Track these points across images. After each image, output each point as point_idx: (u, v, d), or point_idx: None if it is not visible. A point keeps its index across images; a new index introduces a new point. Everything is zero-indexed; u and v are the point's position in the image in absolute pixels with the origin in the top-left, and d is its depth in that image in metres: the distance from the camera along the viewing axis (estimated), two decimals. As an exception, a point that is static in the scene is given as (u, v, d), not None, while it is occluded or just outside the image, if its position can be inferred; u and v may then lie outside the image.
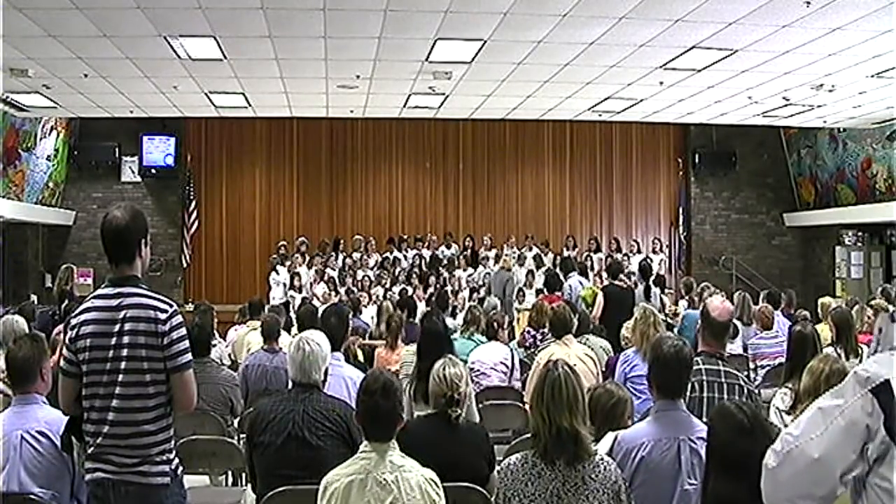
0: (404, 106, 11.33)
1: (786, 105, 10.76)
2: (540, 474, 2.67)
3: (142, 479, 2.79)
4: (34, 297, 11.50)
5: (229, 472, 4.80)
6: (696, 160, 15.30)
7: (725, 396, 3.40)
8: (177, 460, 2.92)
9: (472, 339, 6.47)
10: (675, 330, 8.12)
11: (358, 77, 9.43)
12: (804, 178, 14.95)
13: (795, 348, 4.47)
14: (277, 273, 12.33)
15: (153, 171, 14.29)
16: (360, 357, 7.04)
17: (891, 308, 6.50)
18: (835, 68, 8.70)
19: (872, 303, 7.49)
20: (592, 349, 5.86)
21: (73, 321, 2.86)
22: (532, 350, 6.89)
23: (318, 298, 11.08)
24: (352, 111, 11.99)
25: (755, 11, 6.81)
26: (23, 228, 13.02)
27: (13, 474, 3.15)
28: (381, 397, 2.84)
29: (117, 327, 2.79)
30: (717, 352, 3.66)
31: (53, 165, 13.16)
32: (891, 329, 5.73)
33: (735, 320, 6.56)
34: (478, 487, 3.18)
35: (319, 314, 4.90)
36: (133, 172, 14.34)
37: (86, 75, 9.02)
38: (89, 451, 2.83)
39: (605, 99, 10.66)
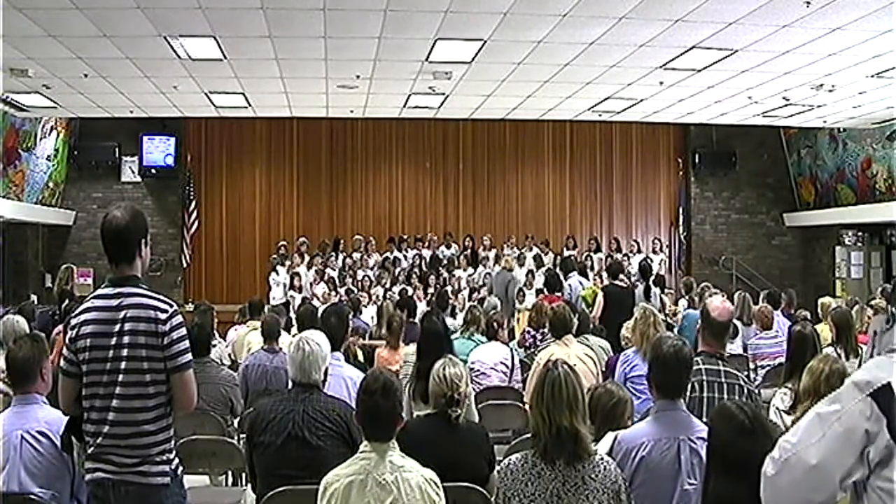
0: (404, 106, 11.33)
1: (786, 105, 10.77)
2: (540, 474, 2.67)
3: (142, 479, 2.79)
4: (34, 297, 11.49)
5: (229, 472, 4.80)
6: (696, 160, 15.30)
7: (725, 396, 3.40)
8: (177, 460, 2.92)
9: (472, 339, 6.46)
10: (675, 330, 8.12)
11: (358, 77, 9.43)
12: (804, 178, 14.96)
13: (795, 348, 4.47)
14: (277, 273, 12.33)
15: (153, 171, 14.29)
16: (360, 357, 7.03)
17: (891, 308, 6.49)
18: (835, 68, 8.70)
19: (872, 303, 7.49)
20: (592, 349, 5.85)
21: (73, 321, 2.86)
22: (532, 350, 6.89)
23: (318, 298, 11.08)
24: (352, 111, 11.99)
25: (755, 11, 6.81)
26: (23, 228, 13.03)
27: (13, 474, 3.15)
28: (381, 397, 2.84)
29: (117, 327, 2.79)
30: (717, 352, 3.66)
31: (53, 165, 13.16)
32: (888, 332, 5.73)
33: (735, 320, 6.55)
34: (478, 487, 3.18)
35: (319, 314, 4.90)
36: (133, 172, 14.34)
37: (86, 75, 9.02)
38: (89, 451, 2.83)
39: (605, 99, 10.67)
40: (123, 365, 2.77)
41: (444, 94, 10.37)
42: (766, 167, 15.51)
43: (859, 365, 5.35)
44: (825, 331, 6.32)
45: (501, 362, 5.87)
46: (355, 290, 11.49)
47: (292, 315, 8.65)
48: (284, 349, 5.66)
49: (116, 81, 9.42)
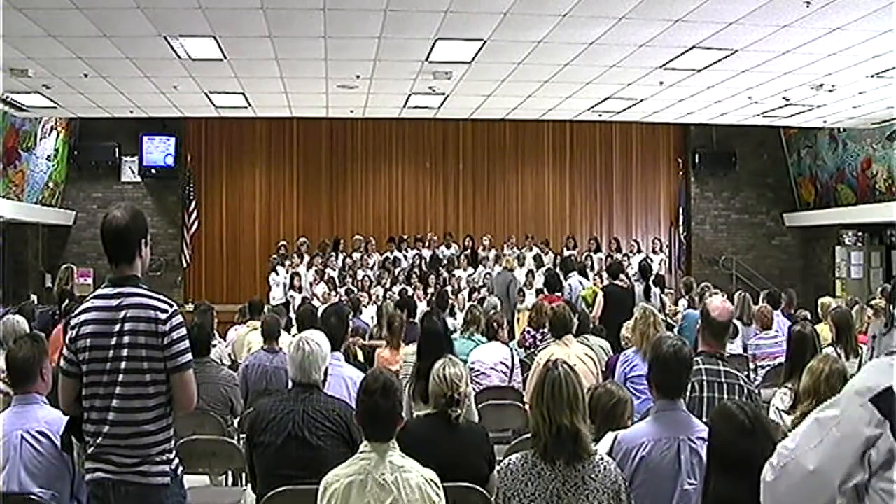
0: (404, 106, 11.33)
1: (786, 105, 10.77)
2: (540, 474, 2.67)
3: (142, 479, 2.79)
4: (34, 297, 11.50)
5: (229, 472, 4.80)
6: (696, 160, 15.30)
7: (725, 396, 3.40)
8: (177, 460, 2.92)
9: (472, 339, 6.46)
10: (675, 330, 8.12)
11: (358, 77, 9.43)
12: (804, 178, 14.96)
13: (795, 348, 4.47)
14: (277, 273, 12.33)
15: (153, 171, 14.29)
16: (360, 357, 7.04)
17: (891, 309, 6.49)
18: (835, 68, 8.70)
19: (872, 303, 7.48)
20: (592, 349, 5.85)
21: (73, 321, 2.86)
22: (532, 350, 6.89)
23: (318, 298, 11.08)
24: (352, 111, 11.99)
25: (755, 11, 6.81)
26: (23, 228, 13.03)
27: (13, 474, 3.15)
28: (381, 397, 2.84)
29: (117, 327, 2.79)
30: (717, 352, 3.66)
31: (53, 165, 13.16)
32: (887, 335, 5.74)
33: (735, 320, 6.55)
34: (478, 487, 3.18)
35: (319, 314, 4.90)
36: (133, 172, 14.34)
37: (86, 75, 9.02)
38: (89, 451, 2.83)
39: (605, 99, 10.66)
40: (123, 365, 2.77)
41: (444, 94, 10.37)
42: (766, 167, 15.51)
43: (859, 365, 5.35)
44: (825, 331, 6.33)
45: (501, 362, 5.87)
46: (355, 290, 11.49)
47: (292, 315, 8.65)
48: (284, 349, 5.66)
49: (116, 81, 9.42)
